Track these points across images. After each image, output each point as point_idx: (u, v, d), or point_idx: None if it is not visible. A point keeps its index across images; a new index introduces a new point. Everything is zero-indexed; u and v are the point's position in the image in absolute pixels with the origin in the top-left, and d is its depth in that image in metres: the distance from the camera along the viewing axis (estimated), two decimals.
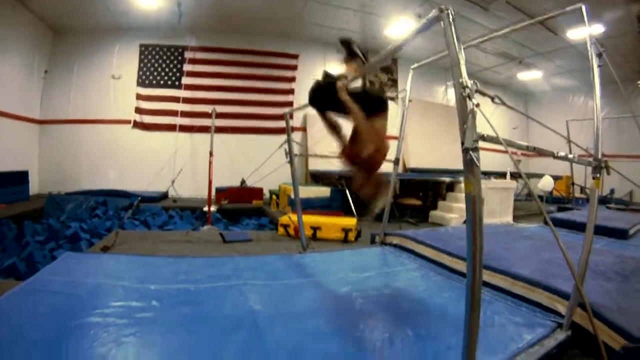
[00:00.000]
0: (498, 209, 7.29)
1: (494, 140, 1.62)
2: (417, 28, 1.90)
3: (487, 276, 2.99)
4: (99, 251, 4.01)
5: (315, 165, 9.63)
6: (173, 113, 9.47)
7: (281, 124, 8.82)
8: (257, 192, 8.45)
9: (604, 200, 9.78)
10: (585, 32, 2.51)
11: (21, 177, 7.84)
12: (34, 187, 8.58)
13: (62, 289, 2.54)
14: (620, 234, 5.32)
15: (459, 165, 1.51)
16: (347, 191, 7.52)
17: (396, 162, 4.55)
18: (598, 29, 7.83)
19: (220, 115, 8.89)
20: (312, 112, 2.59)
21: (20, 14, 7.75)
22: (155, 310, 2.33)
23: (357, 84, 2.78)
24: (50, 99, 9.10)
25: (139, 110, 9.46)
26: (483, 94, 1.65)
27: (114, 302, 2.38)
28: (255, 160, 5.86)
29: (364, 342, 2.08)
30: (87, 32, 9.18)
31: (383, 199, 2.98)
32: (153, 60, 9.64)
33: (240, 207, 8.05)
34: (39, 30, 8.55)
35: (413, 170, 11.13)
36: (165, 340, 1.98)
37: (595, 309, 2.21)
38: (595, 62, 2.48)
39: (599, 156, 2.39)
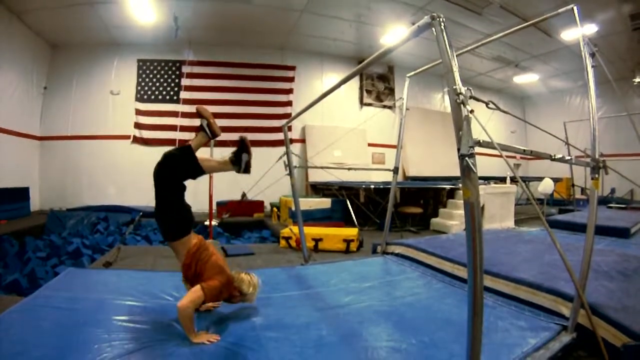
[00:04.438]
0: (499, 214, 7.27)
1: (490, 145, 1.63)
2: (407, 35, 1.91)
3: (489, 282, 2.98)
4: (101, 267, 4.00)
5: (315, 176, 9.60)
6: (172, 128, 9.50)
7: (280, 136, 8.84)
8: (258, 205, 8.44)
9: (604, 200, 9.78)
10: (578, 32, 2.53)
11: (22, 194, 7.85)
12: (35, 204, 8.58)
13: (65, 304, 2.55)
14: (622, 233, 5.33)
15: (459, 172, 1.51)
16: (348, 202, 7.51)
17: (395, 170, 4.56)
18: (591, 28, 7.88)
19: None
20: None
21: (17, 28, 7.74)
22: (158, 325, 2.32)
23: None
24: (49, 115, 9.12)
25: (138, 126, 9.50)
26: (477, 99, 1.66)
27: (116, 317, 2.38)
28: (255, 173, 5.84)
29: (367, 352, 2.06)
30: (84, 47, 9.24)
31: None
32: (151, 75, 9.71)
33: (242, 221, 8.04)
34: (36, 44, 8.56)
35: (413, 178, 11.12)
36: (169, 355, 1.97)
37: (598, 309, 2.21)
38: (589, 62, 2.49)
39: (597, 156, 2.40)
